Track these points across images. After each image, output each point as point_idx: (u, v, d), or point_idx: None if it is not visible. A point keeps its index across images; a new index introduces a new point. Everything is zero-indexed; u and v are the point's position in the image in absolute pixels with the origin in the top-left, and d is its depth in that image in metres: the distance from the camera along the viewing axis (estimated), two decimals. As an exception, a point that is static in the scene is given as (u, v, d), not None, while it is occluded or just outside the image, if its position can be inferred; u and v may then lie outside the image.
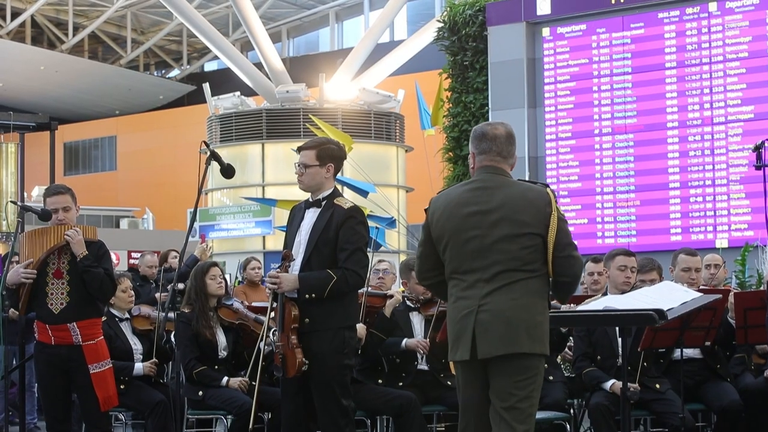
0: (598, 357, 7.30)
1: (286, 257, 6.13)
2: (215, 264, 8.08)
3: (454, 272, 5.18)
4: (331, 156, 6.22)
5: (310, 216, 6.21)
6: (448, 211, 5.21)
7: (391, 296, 7.86)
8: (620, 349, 6.77)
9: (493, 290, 5.03)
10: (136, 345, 8.07)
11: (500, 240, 5.05)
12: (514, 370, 5.00)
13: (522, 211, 5.07)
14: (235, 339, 7.83)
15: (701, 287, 7.58)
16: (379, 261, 9.37)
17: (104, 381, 6.76)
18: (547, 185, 5.19)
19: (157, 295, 9.60)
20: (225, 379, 7.62)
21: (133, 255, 27.64)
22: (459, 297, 5.14)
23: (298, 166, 6.23)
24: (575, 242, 5.16)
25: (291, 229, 6.29)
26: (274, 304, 6.20)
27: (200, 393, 7.59)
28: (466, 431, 5.17)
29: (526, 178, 6.03)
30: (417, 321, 7.83)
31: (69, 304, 6.69)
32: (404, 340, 7.64)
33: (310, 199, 6.27)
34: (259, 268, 11.73)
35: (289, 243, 6.24)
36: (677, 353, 7.17)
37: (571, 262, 5.08)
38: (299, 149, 6.29)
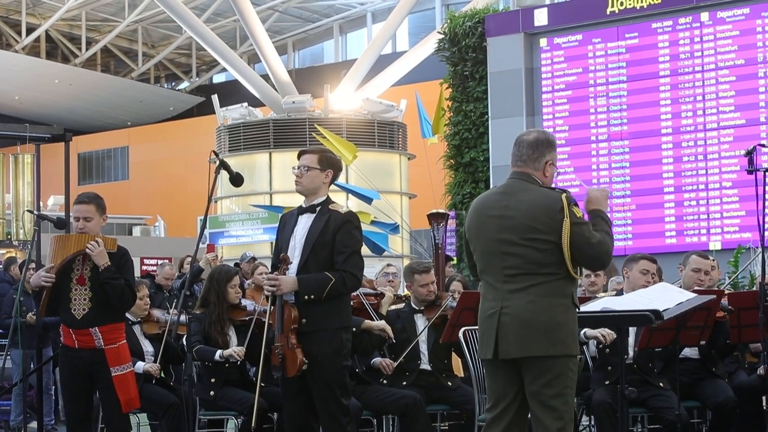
0: (607, 350, 7.31)
1: (283, 260, 6.15)
2: (238, 273, 8.07)
3: (480, 272, 5.34)
4: (331, 164, 6.29)
5: (305, 221, 6.24)
6: (476, 213, 5.36)
7: (383, 295, 7.95)
8: (630, 348, 7.02)
9: (512, 292, 5.15)
10: (147, 347, 8.16)
11: (514, 244, 5.16)
12: (539, 370, 5.11)
13: (535, 217, 5.15)
14: (250, 336, 7.70)
15: (695, 288, 7.53)
16: (388, 265, 9.52)
17: (126, 383, 6.78)
18: (564, 191, 5.23)
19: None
20: (218, 352, 7.60)
21: (146, 261, 27.79)
22: (485, 297, 5.28)
23: (298, 168, 6.27)
24: (595, 237, 5.17)
25: (283, 235, 6.31)
26: (272, 307, 6.20)
27: (212, 393, 7.65)
28: (494, 423, 5.28)
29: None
30: (421, 323, 7.83)
31: (91, 310, 6.69)
32: (373, 360, 7.69)
33: (304, 205, 6.31)
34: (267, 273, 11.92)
35: (282, 248, 6.26)
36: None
37: (591, 261, 5.19)
38: (301, 153, 6.35)
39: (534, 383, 5.14)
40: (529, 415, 5.27)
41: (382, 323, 7.60)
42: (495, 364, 5.24)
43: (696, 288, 7.47)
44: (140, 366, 7.92)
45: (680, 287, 7.21)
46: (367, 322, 7.57)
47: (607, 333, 6.96)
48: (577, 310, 5.30)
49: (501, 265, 5.19)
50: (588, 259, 5.18)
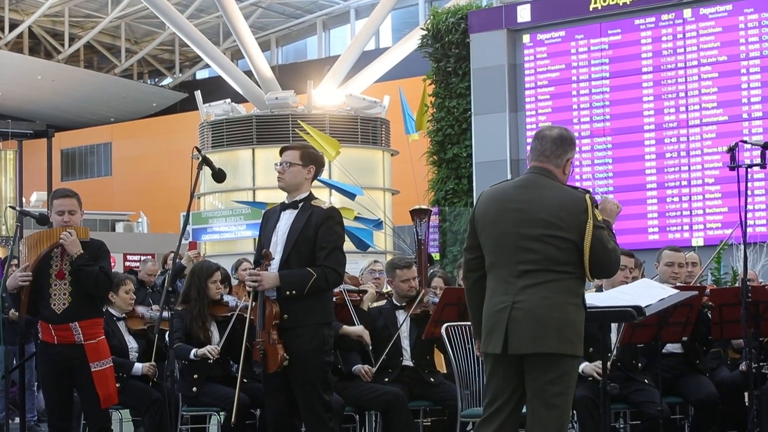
0: (590, 349, 7.16)
1: (265, 256, 6.16)
2: (218, 268, 8.07)
3: (490, 266, 5.21)
4: (313, 159, 6.33)
5: (287, 217, 6.26)
6: (491, 205, 5.24)
7: (365, 291, 7.96)
8: (613, 345, 6.98)
9: (525, 287, 5.07)
10: (131, 343, 8.16)
11: (533, 239, 5.08)
12: (546, 367, 5.05)
13: (557, 215, 5.07)
14: (231, 332, 7.72)
15: (678, 284, 7.51)
16: (375, 261, 9.47)
17: (105, 379, 6.77)
18: (587, 191, 5.16)
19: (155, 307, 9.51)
20: (193, 350, 7.58)
21: (129, 257, 27.75)
22: (494, 291, 5.17)
23: (281, 164, 6.29)
24: (611, 243, 5.16)
25: (266, 231, 6.34)
26: (254, 303, 6.21)
27: (194, 389, 7.64)
28: (490, 419, 5.22)
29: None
30: (402, 319, 7.82)
31: (71, 304, 6.70)
32: (354, 368, 7.66)
33: (286, 201, 6.33)
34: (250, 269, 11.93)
35: (264, 244, 6.29)
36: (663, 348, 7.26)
37: (606, 267, 5.15)
38: (283, 149, 6.35)
39: (538, 380, 5.07)
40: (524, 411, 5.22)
41: (359, 329, 7.57)
42: (498, 360, 5.17)
43: (677, 284, 7.45)
44: (138, 368, 7.96)
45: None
46: (345, 327, 7.53)
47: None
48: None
49: (516, 260, 5.10)
50: (600, 264, 5.11)
